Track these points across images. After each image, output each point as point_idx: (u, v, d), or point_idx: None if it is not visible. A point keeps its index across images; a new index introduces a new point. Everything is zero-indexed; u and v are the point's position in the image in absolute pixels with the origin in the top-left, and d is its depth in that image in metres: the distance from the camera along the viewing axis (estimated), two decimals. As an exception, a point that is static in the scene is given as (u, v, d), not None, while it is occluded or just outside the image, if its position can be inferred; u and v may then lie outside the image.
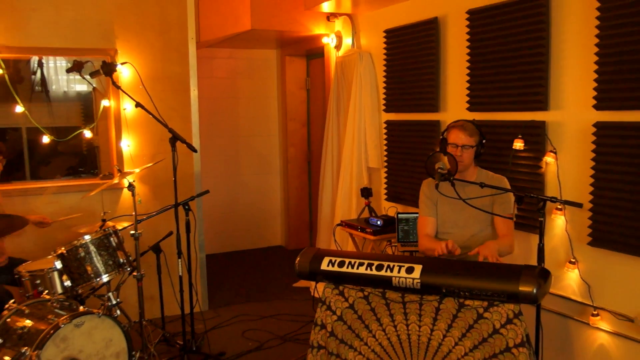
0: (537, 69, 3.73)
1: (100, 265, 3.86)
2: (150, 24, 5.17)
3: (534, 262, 3.19)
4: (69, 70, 4.25)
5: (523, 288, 2.72)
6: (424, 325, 3.01)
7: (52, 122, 5.43)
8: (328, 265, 3.24)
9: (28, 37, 4.80)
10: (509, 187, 3.57)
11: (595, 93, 3.36)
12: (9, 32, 4.72)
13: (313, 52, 7.23)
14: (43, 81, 5.95)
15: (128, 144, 5.15)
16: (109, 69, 4.07)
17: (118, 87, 4.13)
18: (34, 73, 5.88)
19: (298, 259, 3.35)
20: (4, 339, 3.38)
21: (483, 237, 3.54)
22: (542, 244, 3.11)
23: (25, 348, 3.21)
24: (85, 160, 5.95)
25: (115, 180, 4.43)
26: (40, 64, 5.85)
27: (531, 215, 3.77)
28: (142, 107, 4.07)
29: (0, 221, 3.64)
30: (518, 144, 3.80)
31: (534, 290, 2.70)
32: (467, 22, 4.26)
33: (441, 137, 3.68)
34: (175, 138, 4.08)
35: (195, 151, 4.29)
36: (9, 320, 3.46)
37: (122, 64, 4.37)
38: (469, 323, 2.89)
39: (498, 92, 4.06)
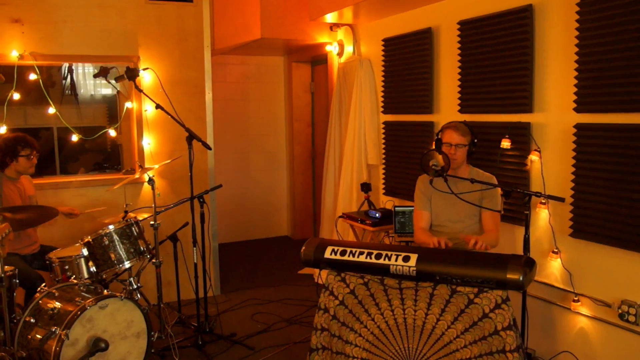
0: (522, 74, 3.70)
1: (122, 253, 3.84)
2: (170, 33, 5.14)
3: (520, 252, 3.16)
4: (96, 76, 4.24)
5: (510, 276, 2.71)
6: (419, 310, 2.99)
7: (80, 122, 5.43)
8: (331, 254, 3.23)
9: (61, 45, 4.78)
10: (497, 184, 3.55)
11: (575, 97, 3.34)
12: (43, 41, 4.71)
13: (317, 59, 7.19)
14: (72, 85, 5.96)
15: (148, 142, 5.13)
16: (132, 74, 4.05)
17: (140, 91, 4.12)
18: (65, 78, 5.88)
19: (303, 248, 3.33)
20: (36, 319, 3.36)
21: (472, 231, 3.52)
22: (528, 235, 3.09)
23: (55, 327, 3.20)
24: (110, 157, 5.95)
25: (137, 175, 4.42)
26: (70, 70, 5.85)
27: (517, 208, 3.75)
28: (162, 108, 4.05)
29: (34, 211, 3.63)
30: (505, 144, 3.77)
31: (521, 278, 2.68)
32: (458, 32, 4.22)
33: (436, 137, 3.65)
34: (191, 137, 4.06)
35: (210, 149, 4.26)
36: (40, 301, 3.44)
37: (144, 69, 4.34)
38: (460, 308, 2.87)
39: (486, 96, 4.03)
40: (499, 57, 3.88)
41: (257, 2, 5.84)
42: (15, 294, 3.70)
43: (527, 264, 2.75)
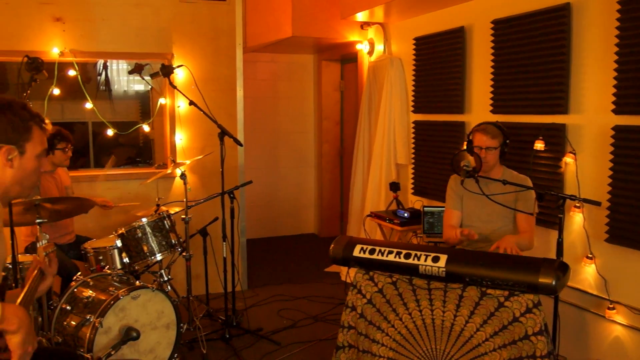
0: (558, 74, 3.62)
1: (155, 245, 3.86)
2: (204, 31, 5.16)
3: (553, 256, 3.08)
4: (130, 72, 4.27)
5: (543, 280, 2.63)
6: (447, 311, 2.93)
7: (113, 118, 5.47)
8: (360, 252, 3.18)
9: (99, 43, 4.85)
10: (531, 185, 3.46)
11: (614, 98, 3.24)
12: (83, 39, 4.78)
13: (347, 57, 7.15)
14: (107, 81, 6.01)
15: (180, 138, 5.15)
16: (167, 71, 4.07)
17: (174, 87, 4.13)
18: (100, 74, 5.93)
19: (332, 245, 3.29)
20: (71, 306, 3.41)
21: (504, 233, 3.43)
22: (561, 239, 3.00)
23: (90, 315, 3.24)
24: (142, 152, 5.98)
25: (169, 170, 4.43)
26: (105, 66, 5.90)
27: (551, 212, 3.66)
28: (195, 105, 4.06)
29: (72, 202, 3.68)
30: (539, 145, 3.68)
31: (553, 282, 2.60)
32: (492, 31, 4.15)
33: (467, 138, 3.58)
34: (223, 133, 4.06)
35: (241, 145, 4.27)
36: (76, 290, 3.49)
37: (179, 66, 4.36)
38: (490, 311, 2.80)
39: (520, 96, 3.95)
40: (534, 56, 3.79)
41: (288, 0, 5.82)
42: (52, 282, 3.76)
43: (560, 268, 2.67)
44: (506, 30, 4.03)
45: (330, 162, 7.80)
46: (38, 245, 2.40)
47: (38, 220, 3.32)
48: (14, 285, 3.16)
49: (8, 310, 1.60)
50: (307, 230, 8.09)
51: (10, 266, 3.22)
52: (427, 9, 4.90)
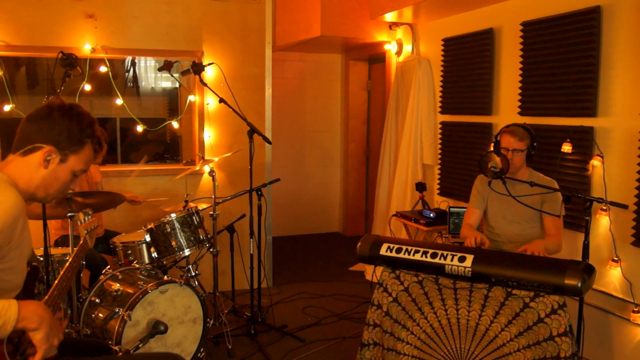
0: (587, 77, 3.63)
1: (183, 241, 3.94)
2: (233, 30, 5.24)
3: (578, 258, 3.09)
4: (160, 69, 4.36)
5: (568, 281, 2.66)
6: (472, 311, 2.97)
7: (141, 114, 5.59)
8: (386, 251, 3.23)
9: (130, 40, 4.95)
10: (557, 187, 3.48)
11: (644, 102, 3.24)
12: (114, 36, 4.89)
13: (375, 57, 7.19)
14: (135, 78, 6.13)
15: (209, 135, 5.24)
16: (198, 68, 4.14)
17: (205, 85, 4.20)
18: (128, 71, 6.06)
19: (359, 244, 3.35)
20: (100, 299, 3.49)
21: (530, 235, 3.46)
22: (588, 241, 3.01)
23: (118, 308, 3.31)
24: (169, 148, 6.11)
25: (198, 167, 4.52)
26: (133, 63, 6.02)
27: (577, 214, 3.67)
28: (225, 102, 4.13)
29: (103, 197, 3.76)
30: (566, 148, 3.70)
31: (579, 284, 2.63)
32: (521, 33, 4.16)
33: (495, 140, 3.60)
34: (253, 131, 4.12)
35: (270, 143, 4.33)
36: (105, 283, 3.58)
37: (209, 64, 4.44)
38: (515, 311, 2.84)
39: (548, 98, 3.96)
40: (563, 59, 3.81)
41: (318, 0, 5.89)
42: (81, 275, 3.87)
43: (586, 270, 2.70)
44: (535, 33, 4.04)
45: (356, 162, 7.85)
46: (79, 223, 2.48)
47: (70, 214, 3.42)
48: (45, 277, 3.26)
49: (26, 309, 1.67)
50: (332, 229, 8.15)
51: (42, 259, 3.32)
52: (456, 10, 4.93)
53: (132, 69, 6.13)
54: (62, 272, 2.12)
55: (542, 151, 3.85)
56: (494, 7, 4.55)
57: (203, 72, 4.21)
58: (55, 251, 3.73)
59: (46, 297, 1.93)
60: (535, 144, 3.48)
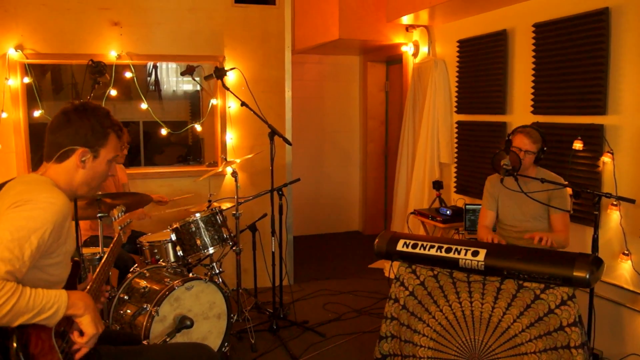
0: (596, 76, 3.73)
1: (207, 239, 4.07)
2: (254, 34, 5.40)
3: (588, 252, 3.21)
4: (182, 74, 4.52)
5: (577, 273, 2.78)
6: (486, 303, 3.10)
7: (163, 117, 5.77)
8: (403, 247, 3.38)
9: (154, 46, 5.14)
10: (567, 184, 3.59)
11: (652, 100, 3.35)
12: (139, 42, 5.08)
13: (392, 59, 7.32)
14: (156, 82, 6.32)
15: (231, 137, 5.41)
16: (220, 73, 4.29)
17: (227, 89, 4.36)
18: (149, 75, 6.25)
19: (377, 240, 3.49)
20: (128, 296, 3.65)
21: (539, 231, 3.56)
22: (597, 235, 3.13)
23: (146, 304, 3.46)
24: (192, 150, 6.29)
25: (220, 168, 4.69)
26: (154, 67, 6.21)
27: (587, 209, 3.78)
28: (247, 106, 4.28)
29: (131, 198, 3.92)
30: (577, 145, 3.81)
31: (587, 276, 2.75)
32: (533, 35, 4.27)
33: (507, 138, 3.72)
34: (273, 133, 4.27)
35: (290, 144, 4.47)
36: (133, 281, 3.74)
37: (231, 69, 4.59)
38: (526, 303, 2.96)
39: (560, 97, 4.07)
40: (573, 59, 3.92)
41: (336, 4, 6.04)
42: (110, 274, 4.06)
43: (594, 262, 2.81)
44: (547, 34, 4.15)
45: (375, 161, 7.98)
46: (113, 220, 2.67)
47: (99, 215, 3.60)
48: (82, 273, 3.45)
49: (74, 297, 1.86)
50: (352, 228, 8.28)
51: (77, 259, 3.50)
52: (470, 12, 5.05)
53: (153, 73, 6.31)
54: (99, 266, 2.31)
55: (554, 149, 3.95)
56: (507, 9, 4.66)
57: (225, 77, 4.37)
58: (85, 250, 3.92)
59: (88, 287, 2.12)
60: (545, 148, 3.59)
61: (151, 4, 5.08)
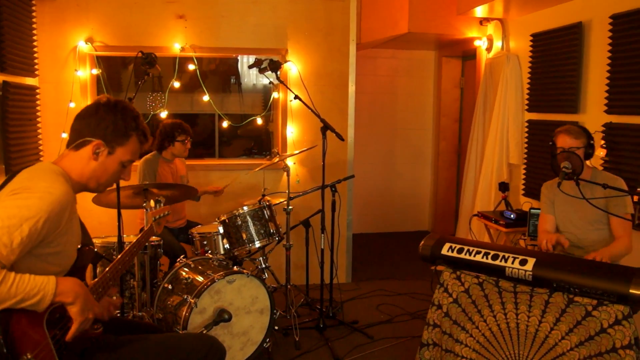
0: (680, 73, 3.36)
1: (253, 233, 4.06)
2: (318, 27, 5.32)
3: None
4: (250, 66, 4.48)
5: (634, 291, 2.49)
6: (532, 317, 2.85)
7: (240, 110, 5.81)
8: (448, 251, 3.18)
9: (218, 39, 5.17)
10: (625, 187, 3.26)
11: None
12: (203, 35, 5.13)
13: (468, 54, 7.02)
14: (237, 75, 6.39)
15: (292, 131, 5.36)
16: (274, 66, 4.21)
17: (281, 82, 4.29)
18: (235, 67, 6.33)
19: (422, 242, 3.32)
20: (173, 286, 3.68)
21: (598, 236, 3.29)
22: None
23: (187, 295, 3.45)
24: (259, 143, 6.30)
25: (275, 161, 4.64)
26: (235, 60, 6.28)
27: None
28: (300, 99, 4.20)
29: (178, 190, 3.95)
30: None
31: (646, 294, 2.46)
32: (610, 27, 3.92)
33: (550, 143, 3.43)
34: (326, 127, 4.17)
35: (343, 140, 4.33)
36: (178, 271, 3.77)
37: (286, 62, 4.53)
38: (576, 319, 2.69)
39: (638, 96, 3.70)
40: (654, 53, 3.55)
41: (405, -4, 5.85)
42: (161, 263, 4.11)
43: (655, 279, 2.51)
44: (625, 26, 3.80)
45: (447, 160, 7.70)
46: (148, 210, 2.66)
47: (144, 205, 3.63)
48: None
49: (64, 284, 1.84)
50: (421, 227, 8.05)
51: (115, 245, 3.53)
52: (546, 4, 4.71)
53: (238, 65, 6.39)
54: (119, 256, 2.29)
55: (632, 152, 3.62)
56: (584, 0, 4.31)
57: (283, 70, 4.29)
58: (128, 239, 3.94)
59: (97, 279, 2.10)
60: (592, 142, 3.31)
61: (216, -3, 5.11)
